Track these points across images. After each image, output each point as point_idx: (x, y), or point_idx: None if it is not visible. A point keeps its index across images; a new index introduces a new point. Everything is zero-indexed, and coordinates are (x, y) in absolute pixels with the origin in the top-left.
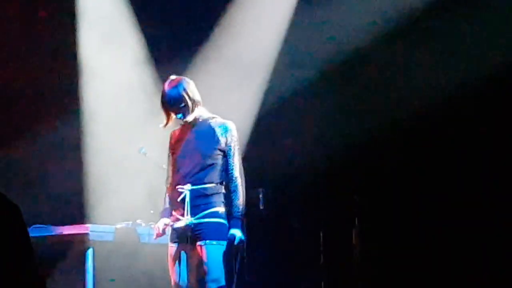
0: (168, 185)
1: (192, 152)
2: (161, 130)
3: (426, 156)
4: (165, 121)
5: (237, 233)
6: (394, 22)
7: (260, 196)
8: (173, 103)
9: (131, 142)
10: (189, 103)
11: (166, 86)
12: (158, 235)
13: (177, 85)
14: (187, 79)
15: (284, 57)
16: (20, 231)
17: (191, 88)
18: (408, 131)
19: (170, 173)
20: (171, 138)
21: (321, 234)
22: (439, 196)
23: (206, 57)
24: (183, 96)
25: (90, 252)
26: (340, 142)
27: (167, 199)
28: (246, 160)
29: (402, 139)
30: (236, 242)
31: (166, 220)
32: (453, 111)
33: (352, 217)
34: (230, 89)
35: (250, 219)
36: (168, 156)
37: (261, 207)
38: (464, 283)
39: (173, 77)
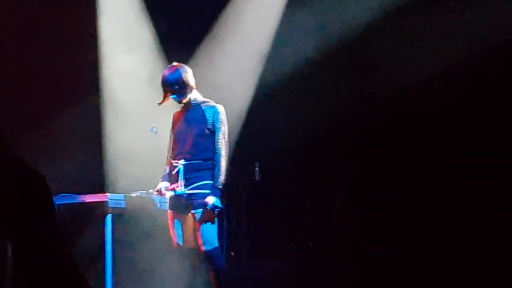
0: (168, 158)
1: (186, 131)
2: (170, 113)
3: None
4: (161, 100)
5: (211, 200)
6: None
7: (256, 168)
8: (170, 85)
9: (146, 123)
10: (184, 86)
11: (167, 70)
12: (159, 194)
13: (175, 70)
14: (185, 66)
15: (278, 48)
16: (45, 198)
17: (188, 74)
18: (392, 113)
19: (170, 148)
20: (173, 118)
21: (307, 202)
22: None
23: (210, 49)
24: (179, 80)
25: (109, 217)
26: (325, 122)
27: (167, 168)
28: (244, 137)
29: (384, 120)
30: (208, 207)
31: (166, 183)
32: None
33: (334, 187)
34: (232, 75)
35: (247, 189)
36: (170, 133)
37: (257, 178)
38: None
39: (174, 63)
